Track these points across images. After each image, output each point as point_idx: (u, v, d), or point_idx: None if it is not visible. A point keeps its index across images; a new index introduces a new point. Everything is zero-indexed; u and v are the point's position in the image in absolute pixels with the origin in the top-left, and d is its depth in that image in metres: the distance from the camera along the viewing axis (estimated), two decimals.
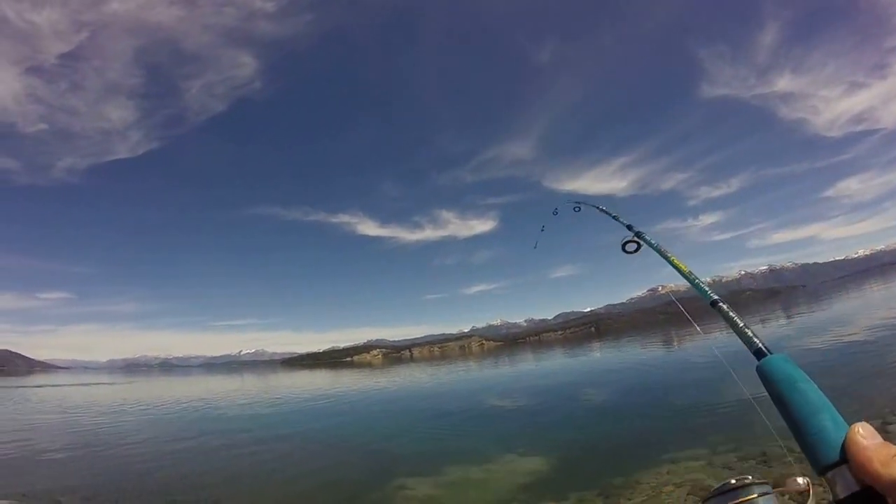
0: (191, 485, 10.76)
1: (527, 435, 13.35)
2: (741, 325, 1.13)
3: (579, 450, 11.14)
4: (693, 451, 9.18)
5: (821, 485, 1.00)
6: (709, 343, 36.02)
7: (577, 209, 3.33)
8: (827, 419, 0.98)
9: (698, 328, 2.06)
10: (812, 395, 0.98)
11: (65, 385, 73.64)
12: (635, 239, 2.02)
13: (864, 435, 1.01)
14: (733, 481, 0.94)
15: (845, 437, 1.00)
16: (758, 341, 1.03)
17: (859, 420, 1.00)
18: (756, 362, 1.00)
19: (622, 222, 2.20)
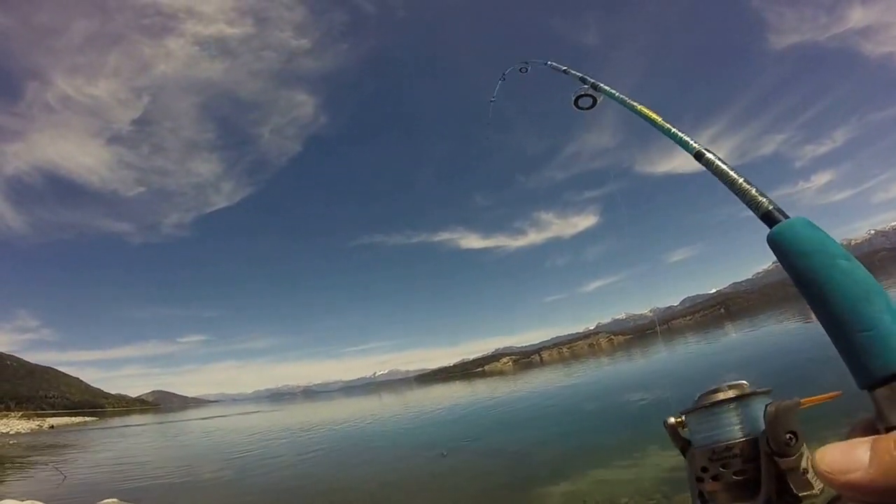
0: (342, 500, 11.43)
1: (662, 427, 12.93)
2: (741, 180, 0.81)
3: None
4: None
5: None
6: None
7: (524, 70, 3.23)
8: (884, 310, 0.70)
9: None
10: (860, 274, 0.70)
11: (220, 416, 78.92)
12: (589, 92, 1.79)
13: None
14: (725, 389, 0.75)
15: None
16: (765, 200, 0.75)
17: None
18: (766, 230, 0.75)
19: (575, 73, 1.96)
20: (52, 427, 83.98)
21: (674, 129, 1.19)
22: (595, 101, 1.79)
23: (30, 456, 29.92)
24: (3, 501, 10.20)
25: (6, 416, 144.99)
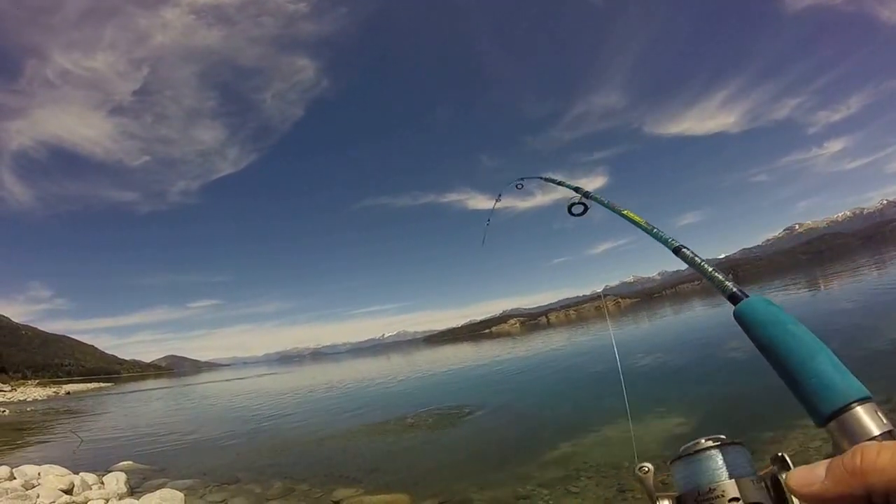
0: (350, 458, 11.54)
1: (668, 392, 13.04)
2: (710, 269, 1.04)
3: (723, 404, 10.77)
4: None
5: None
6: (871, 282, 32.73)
7: (519, 186, 3.38)
8: (825, 362, 0.83)
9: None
10: (806, 336, 0.83)
11: (236, 379, 79.02)
12: (581, 200, 1.97)
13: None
14: (703, 441, 0.84)
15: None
16: (731, 285, 0.94)
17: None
18: (731, 308, 0.91)
19: (569, 186, 2.17)
20: (68, 393, 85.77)
21: (656, 229, 1.36)
22: (587, 207, 1.95)
23: (47, 422, 30.75)
24: (22, 466, 10.49)
25: (23, 384, 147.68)
